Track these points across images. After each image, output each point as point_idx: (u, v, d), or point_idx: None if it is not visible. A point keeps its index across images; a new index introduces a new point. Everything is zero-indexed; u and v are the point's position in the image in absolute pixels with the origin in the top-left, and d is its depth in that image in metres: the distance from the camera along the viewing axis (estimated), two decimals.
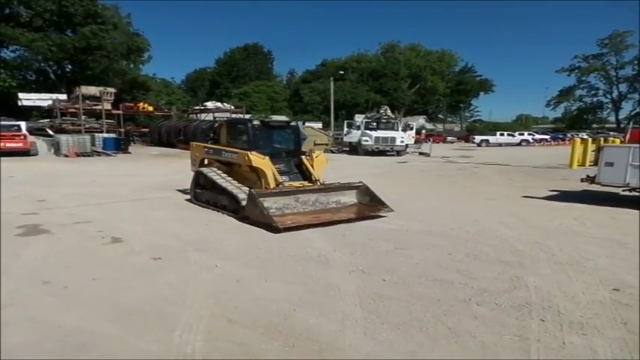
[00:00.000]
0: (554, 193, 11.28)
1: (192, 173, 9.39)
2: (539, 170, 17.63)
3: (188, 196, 9.56)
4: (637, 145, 9.00)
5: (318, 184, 8.12)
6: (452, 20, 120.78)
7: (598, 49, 67.67)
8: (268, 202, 6.96)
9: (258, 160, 7.74)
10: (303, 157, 8.60)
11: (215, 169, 8.76)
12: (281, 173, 8.03)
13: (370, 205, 7.93)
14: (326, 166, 9.00)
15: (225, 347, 3.09)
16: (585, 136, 30.05)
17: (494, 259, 5.28)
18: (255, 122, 8.81)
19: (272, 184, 7.66)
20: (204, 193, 8.65)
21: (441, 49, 72.25)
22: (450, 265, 5.06)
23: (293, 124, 9.85)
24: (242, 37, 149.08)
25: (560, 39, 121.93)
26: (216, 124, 12.49)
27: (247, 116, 42.06)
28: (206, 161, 9.62)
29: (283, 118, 45.53)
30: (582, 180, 10.08)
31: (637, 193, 9.16)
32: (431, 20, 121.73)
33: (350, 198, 8.15)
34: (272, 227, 6.36)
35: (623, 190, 9.34)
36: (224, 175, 8.32)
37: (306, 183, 8.13)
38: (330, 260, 5.19)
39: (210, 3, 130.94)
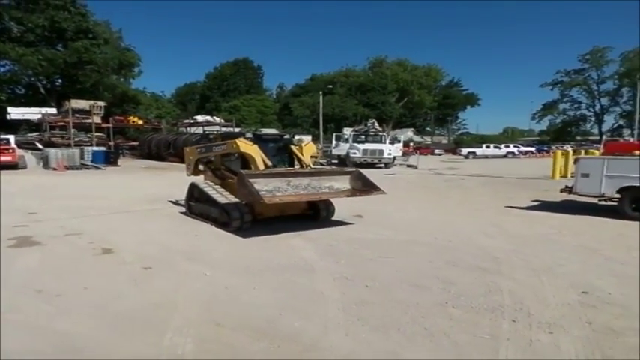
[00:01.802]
0: (536, 203, 11.63)
1: (182, 186, 9.49)
2: (522, 182, 18.07)
3: (179, 208, 9.71)
4: (611, 157, 9.40)
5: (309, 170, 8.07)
6: (438, 36, 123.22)
7: (579, 64, 69.59)
8: (259, 185, 6.80)
9: (246, 146, 7.70)
10: (292, 146, 8.59)
11: (209, 182, 8.77)
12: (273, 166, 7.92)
13: (363, 190, 7.88)
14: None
15: (214, 349, 3.27)
16: (569, 149, 30.82)
17: (472, 266, 5.52)
18: (248, 135, 8.88)
19: (261, 168, 7.55)
20: (197, 205, 8.73)
21: (428, 64, 73.93)
22: (430, 271, 5.29)
23: (286, 137, 9.83)
24: (231, 52, 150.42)
25: (545, 53, 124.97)
26: (211, 136, 12.58)
27: (237, 129, 42.34)
28: (200, 167, 9.63)
29: (273, 131, 45.88)
30: (561, 190, 10.46)
31: (613, 203, 9.54)
32: (417, 35, 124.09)
33: (343, 184, 7.96)
34: (259, 206, 6.49)
35: (599, 200, 9.70)
36: (217, 187, 8.31)
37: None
38: (315, 268, 5.40)
39: (201, 18, 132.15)
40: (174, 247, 6.43)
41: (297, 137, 35.07)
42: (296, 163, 8.46)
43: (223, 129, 38.80)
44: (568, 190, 10.08)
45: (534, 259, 5.86)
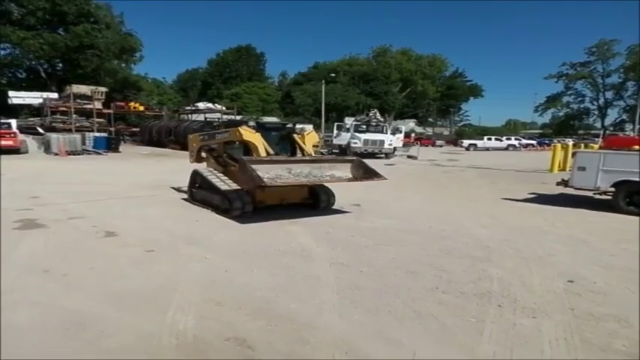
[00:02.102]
0: (532, 195, 11.77)
1: (183, 172, 9.64)
2: (521, 174, 18.18)
3: (180, 195, 9.87)
4: (608, 151, 9.52)
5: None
6: (443, 26, 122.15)
7: (586, 57, 69.14)
8: (260, 171, 6.84)
9: (249, 133, 7.83)
10: (294, 135, 8.69)
11: (212, 169, 8.90)
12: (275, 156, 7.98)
13: (364, 176, 8.00)
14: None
15: (214, 326, 3.44)
16: (571, 142, 30.86)
17: (464, 255, 5.69)
18: (251, 124, 8.88)
19: (263, 155, 7.66)
20: (199, 192, 8.87)
21: (432, 54, 73.25)
22: (424, 259, 5.46)
23: (289, 125, 9.83)
24: (234, 39, 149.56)
25: (551, 45, 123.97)
26: (215, 124, 12.62)
27: (239, 117, 42.35)
28: (203, 154, 9.76)
29: (274, 119, 45.88)
30: (558, 183, 10.59)
31: (608, 197, 9.68)
32: (423, 25, 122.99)
33: (344, 172, 8.03)
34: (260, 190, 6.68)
35: (594, 194, 9.84)
36: (219, 174, 8.42)
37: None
38: (312, 254, 5.57)
39: (203, 4, 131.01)
40: (175, 232, 6.60)
41: (299, 126, 35.09)
42: (298, 151, 8.58)
43: (225, 116, 38.86)
44: (564, 183, 10.21)
45: (525, 249, 6.03)
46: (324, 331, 3.41)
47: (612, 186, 9.28)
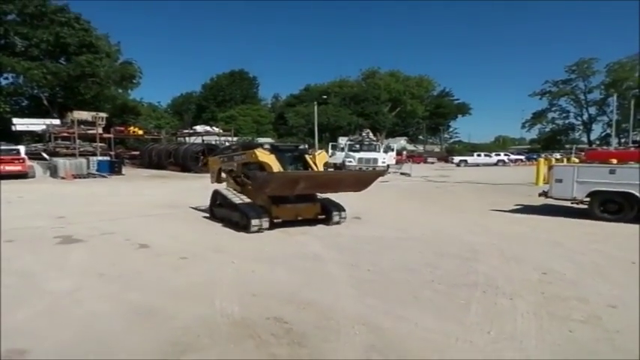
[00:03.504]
0: (518, 207, 12.74)
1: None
2: (509, 187, 19.24)
3: (194, 212, 10.69)
4: (580, 164, 10.56)
5: None
6: (429, 48, 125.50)
7: (567, 75, 71.62)
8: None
9: (264, 155, 8.53)
10: (306, 155, 9.44)
11: (230, 188, 9.63)
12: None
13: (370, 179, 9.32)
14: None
15: (254, 310, 4.28)
16: (558, 156, 32.16)
17: (455, 256, 6.59)
18: (266, 145, 9.51)
19: None
20: (220, 210, 9.59)
21: (419, 75, 75.57)
22: (420, 260, 6.35)
23: (301, 147, 10.47)
24: (226, 64, 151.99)
25: (537, 63, 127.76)
26: (233, 147, 13.39)
27: (235, 138, 43.39)
28: (223, 174, 10.51)
29: (269, 140, 46.97)
30: (539, 195, 11.59)
31: (584, 206, 10.66)
32: (409, 48, 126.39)
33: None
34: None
35: (572, 203, 10.84)
36: (238, 194, 9.11)
37: None
38: (324, 258, 6.43)
39: (196, 31, 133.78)
40: (200, 243, 7.43)
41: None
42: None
43: (222, 138, 39.88)
44: (544, 194, 11.21)
45: (508, 251, 6.94)
46: (344, 312, 4.26)
47: (587, 196, 10.29)
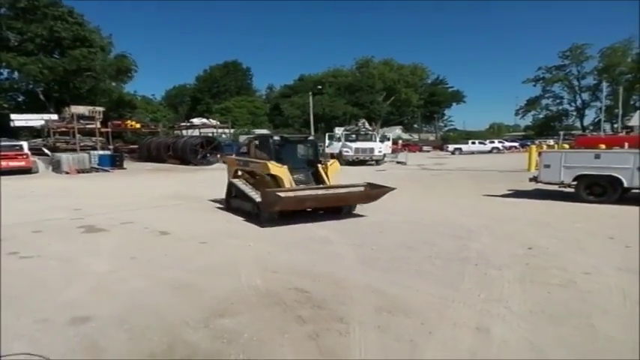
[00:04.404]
0: (510, 192, 13.41)
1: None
2: (502, 174, 19.92)
3: (204, 203, 11.26)
4: (567, 150, 11.21)
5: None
6: (422, 37, 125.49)
7: (560, 61, 72.20)
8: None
9: (276, 168, 8.90)
10: (319, 165, 9.63)
11: (244, 180, 10.00)
12: (300, 182, 9.14)
13: (379, 193, 9.34)
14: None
15: (277, 283, 4.90)
16: (552, 143, 32.93)
17: (451, 235, 7.24)
18: (276, 138, 9.89)
19: (287, 187, 8.76)
20: (235, 200, 10.05)
21: (413, 63, 75.82)
22: (419, 239, 6.99)
23: (311, 138, 10.98)
24: (219, 55, 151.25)
25: (528, 49, 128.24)
26: (247, 141, 13.51)
27: (232, 130, 43.78)
28: (239, 172, 10.73)
29: (265, 131, 47.40)
30: (530, 180, 12.27)
31: (571, 189, 11.34)
32: (403, 37, 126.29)
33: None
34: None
35: (559, 187, 11.51)
36: (250, 185, 9.53)
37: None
38: (332, 240, 7.05)
39: (189, 24, 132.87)
40: (215, 230, 8.03)
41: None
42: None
43: (219, 130, 40.27)
44: (534, 179, 11.88)
45: (498, 231, 7.60)
46: (355, 282, 4.90)
47: (574, 180, 10.96)
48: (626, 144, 17.72)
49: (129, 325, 3.82)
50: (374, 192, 9.31)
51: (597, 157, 10.73)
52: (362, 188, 9.39)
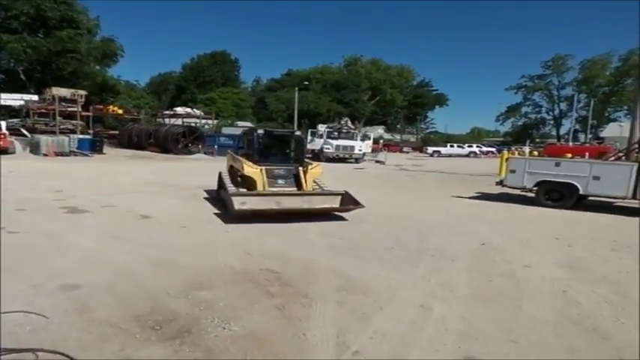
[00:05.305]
0: (478, 194, 14.18)
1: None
2: (474, 177, 20.80)
3: (183, 191, 11.62)
4: (531, 157, 11.99)
5: None
6: (410, 38, 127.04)
7: (542, 70, 74.31)
8: (249, 203, 8.06)
9: (250, 169, 8.93)
10: (300, 167, 9.43)
11: (227, 172, 10.12)
12: (278, 177, 9.09)
13: (351, 207, 8.83)
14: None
15: (250, 263, 5.40)
16: (527, 149, 34.15)
17: (414, 230, 7.85)
18: (260, 131, 9.91)
19: (260, 189, 8.76)
20: (221, 191, 10.11)
21: (400, 64, 76.83)
22: (385, 232, 7.58)
23: (297, 133, 10.93)
24: (207, 44, 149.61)
25: (515, 57, 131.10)
26: (243, 130, 13.51)
27: (215, 122, 43.79)
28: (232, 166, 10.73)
29: (248, 124, 47.53)
30: (496, 183, 13.02)
31: (531, 194, 12.13)
32: (391, 37, 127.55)
33: (334, 203, 9.01)
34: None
35: (522, 191, 12.30)
36: (232, 179, 9.49)
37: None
38: (305, 229, 7.57)
39: (178, 9, 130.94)
40: (194, 216, 8.46)
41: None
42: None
43: (202, 121, 40.30)
44: (500, 183, 12.64)
45: (459, 227, 8.26)
46: (322, 266, 5.44)
47: (535, 185, 11.75)
48: (587, 154, 18.80)
49: (115, 291, 4.27)
50: (345, 207, 8.96)
51: (557, 164, 11.54)
52: (338, 198, 9.13)
